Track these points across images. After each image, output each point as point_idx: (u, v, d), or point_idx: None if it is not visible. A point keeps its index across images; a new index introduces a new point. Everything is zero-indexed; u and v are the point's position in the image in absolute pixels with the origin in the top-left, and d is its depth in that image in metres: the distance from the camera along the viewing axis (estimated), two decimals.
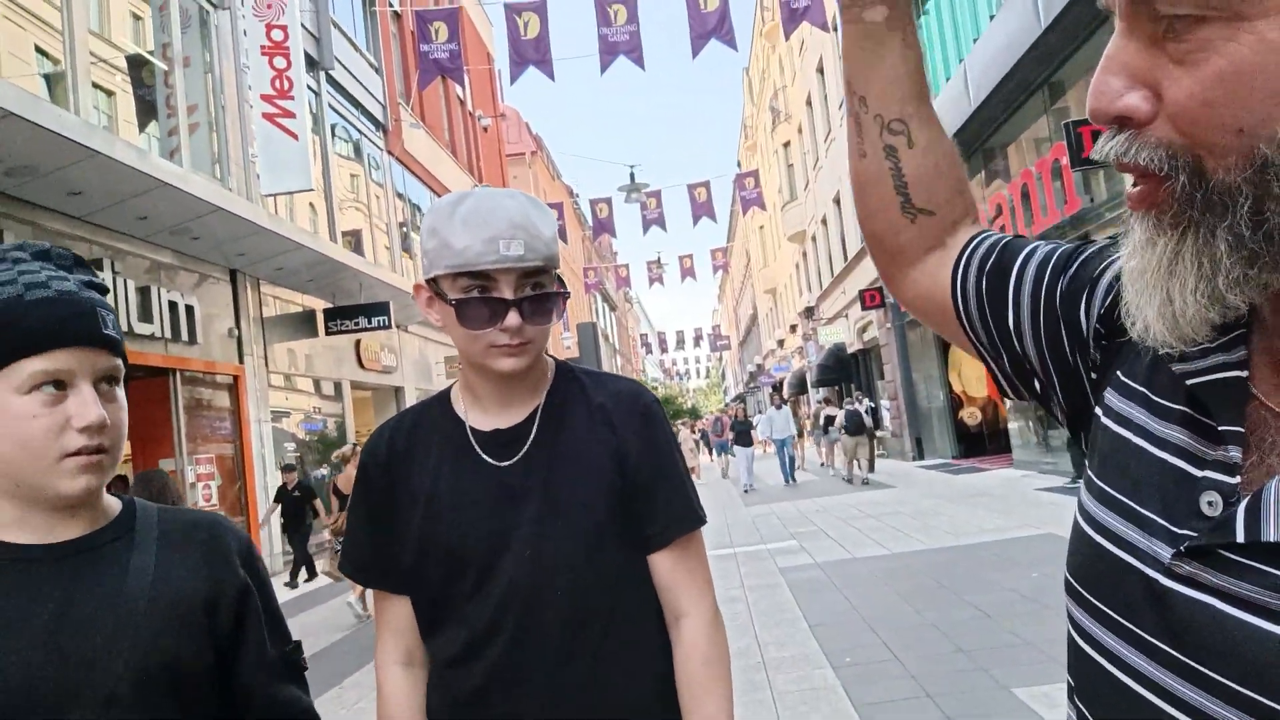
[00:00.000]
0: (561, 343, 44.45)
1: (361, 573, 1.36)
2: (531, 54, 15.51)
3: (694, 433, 32.30)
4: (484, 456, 1.27)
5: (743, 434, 19.83)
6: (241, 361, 13.01)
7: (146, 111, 11.99)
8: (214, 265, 12.47)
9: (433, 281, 1.25)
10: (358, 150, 19.19)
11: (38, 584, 0.96)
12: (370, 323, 14.84)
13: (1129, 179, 0.56)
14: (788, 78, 32.39)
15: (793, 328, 39.30)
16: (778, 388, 37.64)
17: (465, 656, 1.24)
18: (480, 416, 1.30)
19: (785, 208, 33.75)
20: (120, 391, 1.04)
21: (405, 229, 21.65)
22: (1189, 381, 0.58)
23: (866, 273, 21.81)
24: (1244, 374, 0.56)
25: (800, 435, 23.85)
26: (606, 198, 23.14)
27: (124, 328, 10.13)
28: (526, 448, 1.26)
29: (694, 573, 1.28)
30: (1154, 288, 0.55)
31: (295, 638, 1.19)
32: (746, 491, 18.13)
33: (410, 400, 20.09)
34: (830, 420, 19.24)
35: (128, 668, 0.95)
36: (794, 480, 18.92)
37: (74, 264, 1.06)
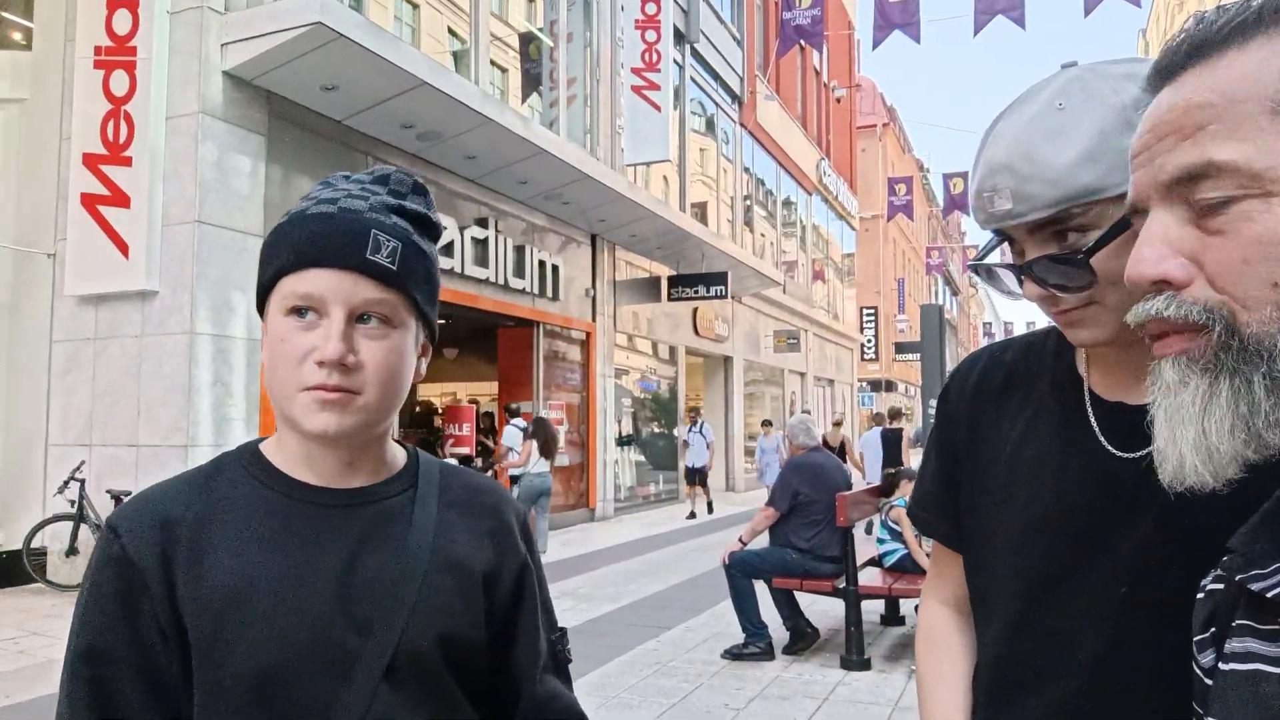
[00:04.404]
0: (895, 325, 42.76)
1: (923, 510, 1.12)
2: (898, 17, 14.75)
3: None
4: (1099, 435, 0.91)
5: None
6: (594, 320, 13.94)
7: (531, 85, 13.12)
8: (578, 229, 13.42)
9: None
10: (711, 124, 19.62)
11: (329, 532, 0.88)
12: (709, 291, 15.22)
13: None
14: None
15: None
16: None
17: (1009, 687, 0.95)
18: (1103, 379, 0.94)
19: None
20: (395, 334, 0.88)
21: (749, 202, 21.86)
22: (1269, 594, 0.58)
23: None
24: None
25: None
26: (962, 172, 21.54)
27: (500, 281, 11.25)
28: None
29: None
30: (1187, 423, 0.58)
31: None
32: None
33: (739, 372, 20.43)
34: None
35: (407, 635, 0.86)
36: None
37: (410, 190, 0.94)
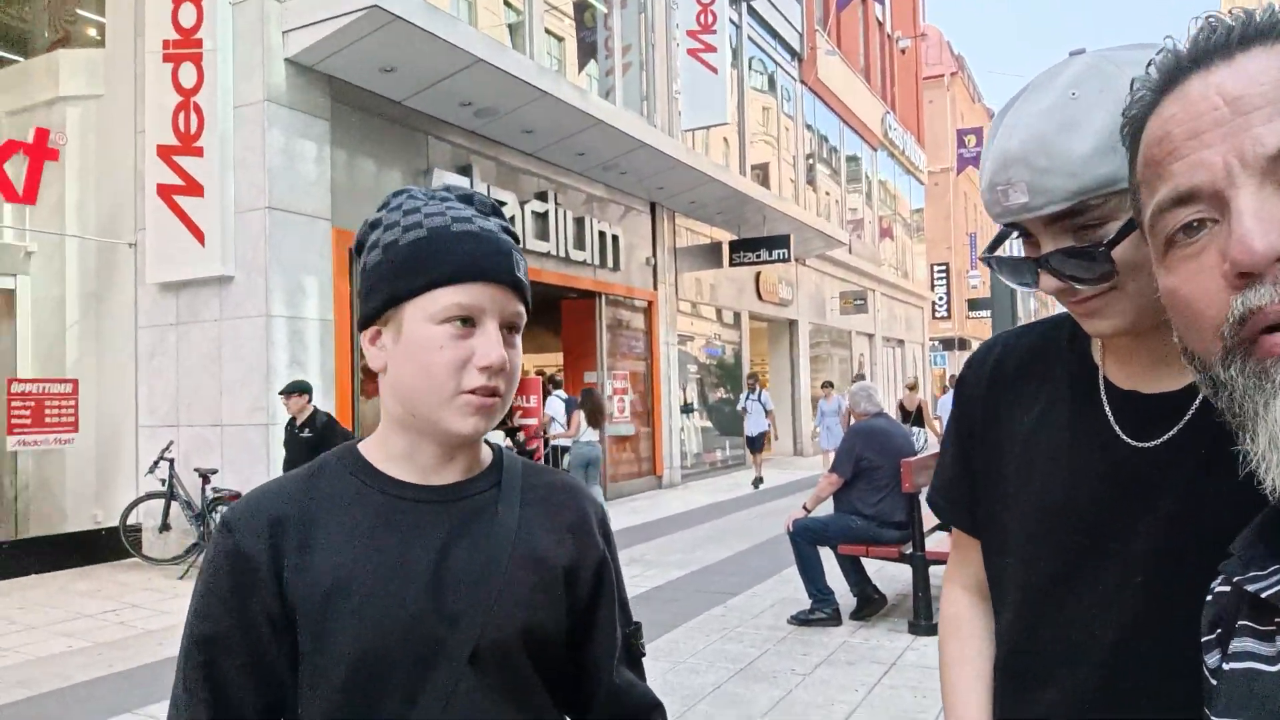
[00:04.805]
0: (967, 281, 41.67)
1: (941, 498, 1.13)
2: None
3: None
4: (1113, 424, 0.91)
5: None
6: (656, 288, 13.95)
7: (587, 53, 13.07)
8: (637, 198, 13.40)
9: None
10: (771, 82, 19.28)
11: (423, 527, 0.94)
12: (771, 255, 15.04)
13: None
14: None
15: None
16: None
17: (1025, 677, 0.96)
18: (1118, 368, 0.94)
19: None
20: (519, 340, 0.98)
21: (812, 161, 21.47)
22: (1263, 595, 0.59)
23: None
24: None
25: None
26: None
27: (561, 254, 11.34)
28: (1180, 427, 0.86)
29: None
30: None
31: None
32: None
33: (804, 335, 20.22)
34: None
35: (490, 625, 0.91)
36: None
37: (492, 210, 1.02)
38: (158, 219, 7.93)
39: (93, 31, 9.57)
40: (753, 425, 14.16)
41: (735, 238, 15.45)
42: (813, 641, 5.17)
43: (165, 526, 7.88)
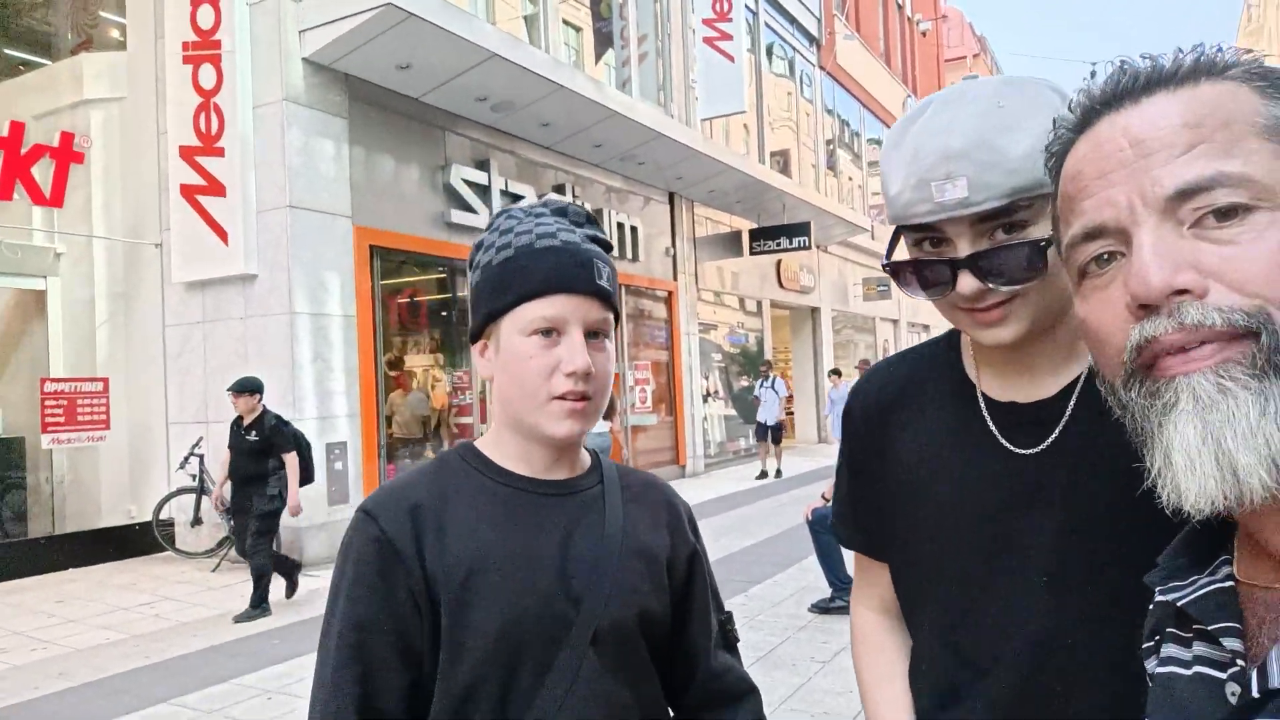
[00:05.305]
0: None
1: (840, 526, 1.17)
2: None
3: None
4: (996, 434, 0.95)
5: None
6: (676, 278, 13.95)
7: (603, 43, 13.05)
8: (655, 189, 13.39)
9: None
10: (790, 68, 19.15)
11: (546, 517, 1.02)
12: (791, 243, 14.99)
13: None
14: None
15: None
16: None
17: (947, 689, 0.97)
18: (994, 382, 0.98)
19: None
20: (609, 345, 1.04)
21: (832, 146, 21.33)
22: (1179, 604, 0.63)
23: None
24: (1229, 584, 0.62)
25: None
26: None
27: None
28: (1059, 431, 0.91)
29: None
30: (1245, 436, 0.54)
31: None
32: None
33: (826, 322, 20.13)
34: None
35: (608, 608, 0.98)
36: None
37: (585, 220, 1.09)
38: (182, 219, 8.05)
39: (115, 34, 9.71)
40: (765, 413, 13.59)
41: (755, 226, 15.41)
42: (833, 630, 5.20)
43: (197, 521, 8.03)
